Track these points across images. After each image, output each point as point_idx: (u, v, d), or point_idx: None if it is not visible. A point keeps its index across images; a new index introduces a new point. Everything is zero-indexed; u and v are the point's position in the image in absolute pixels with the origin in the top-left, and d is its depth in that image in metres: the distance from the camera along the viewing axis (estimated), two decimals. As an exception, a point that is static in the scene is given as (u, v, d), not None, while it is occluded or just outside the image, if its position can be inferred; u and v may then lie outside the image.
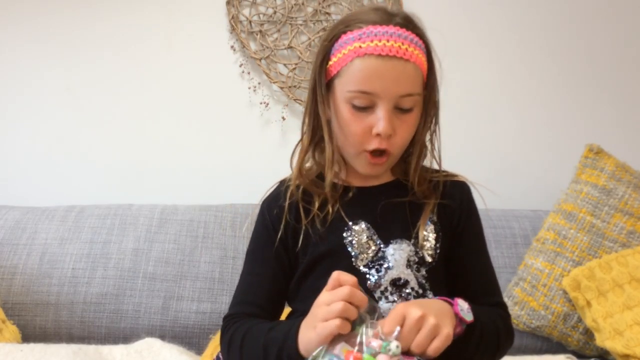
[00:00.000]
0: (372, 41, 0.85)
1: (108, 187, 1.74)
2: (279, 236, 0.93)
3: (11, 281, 1.43)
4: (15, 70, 1.74)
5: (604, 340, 1.33)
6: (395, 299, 0.88)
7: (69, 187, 1.74)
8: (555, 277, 1.45)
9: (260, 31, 1.75)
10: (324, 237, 0.91)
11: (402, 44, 0.85)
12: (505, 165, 1.80)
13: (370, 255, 0.90)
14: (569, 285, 1.40)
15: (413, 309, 0.74)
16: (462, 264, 0.93)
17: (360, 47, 0.85)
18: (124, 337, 1.39)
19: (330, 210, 0.92)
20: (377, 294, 0.88)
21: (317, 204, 0.92)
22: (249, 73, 1.76)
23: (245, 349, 0.84)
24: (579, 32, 1.82)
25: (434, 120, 0.95)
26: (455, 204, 0.94)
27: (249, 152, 1.77)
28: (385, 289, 0.88)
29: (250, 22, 1.75)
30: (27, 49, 1.74)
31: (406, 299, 0.87)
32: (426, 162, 0.97)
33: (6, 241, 1.48)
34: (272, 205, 0.96)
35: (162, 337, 1.35)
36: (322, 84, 0.91)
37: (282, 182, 0.99)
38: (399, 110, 0.87)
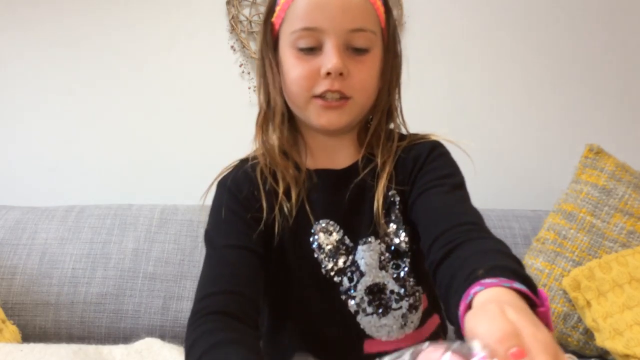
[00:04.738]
0: None
1: (108, 187, 1.74)
2: (263, 220, 0.81)
3: (11, 281, 1.42)
4: (15, 71, 1.74)
5: (604, 340, 1.33)
6: (374, 310, 0.79)
7: (69, 187, 1.74)
8: (555, 277, 1.45)
9: (260, 31, 1.75)
10: (290, 239, 0.80)
11: None
12: (505, 165, 1.79)
13: (341, 261, 0.80)
14: (569, 285, 1.40)
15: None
16: (415, 208, 0.77)
17: None
18: (124, 337, 1.39)
19: (295, 197, 0.80)
20: (354, 307, 0.79)
21: (282, 187, 0.80)
22: (249, 73, 1.76)
23: None
24: (579, 32, 1.81)
25: (397, 77, 0.83)
26: (408, 168, 0.82)
27: (249, 152, 1.76)
28: (362, 299, 0.79)
29: (250, 22, 1.75)
30: (27, 49, 1.74)
31: (387, 306, 0.79)
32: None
33: (6, 241, 1.48)
34: (242, 184, 0.85)
35: (162, 337, 1.34)
36: (269, 43, 0.82)
37: (244, 161, 0.89)
38: (352, 50, 0.77)
